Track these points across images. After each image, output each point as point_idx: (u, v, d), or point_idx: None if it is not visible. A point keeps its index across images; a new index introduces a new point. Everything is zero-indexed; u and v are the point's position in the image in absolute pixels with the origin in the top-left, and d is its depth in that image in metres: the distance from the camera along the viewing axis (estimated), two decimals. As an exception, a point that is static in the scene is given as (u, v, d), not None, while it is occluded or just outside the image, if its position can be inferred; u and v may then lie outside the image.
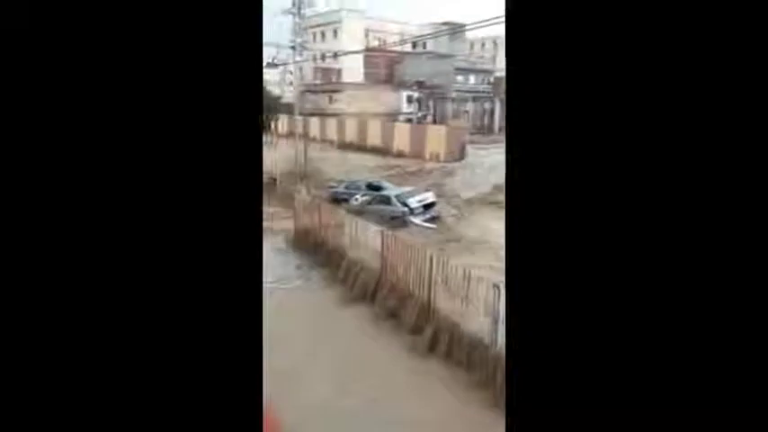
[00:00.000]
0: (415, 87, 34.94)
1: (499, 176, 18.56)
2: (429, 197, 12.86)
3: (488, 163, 22.22)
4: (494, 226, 12.04)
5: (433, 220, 12.18)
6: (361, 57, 36.77)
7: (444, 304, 6.52)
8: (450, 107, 35.30)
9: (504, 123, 36.96)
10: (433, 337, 6.34)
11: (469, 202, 14.91)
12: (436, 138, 24.26)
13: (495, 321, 5.64)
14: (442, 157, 23.39)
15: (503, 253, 10.17)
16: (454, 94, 35.75)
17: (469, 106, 36.49)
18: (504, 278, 6.00)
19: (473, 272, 6.27)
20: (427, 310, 6.76)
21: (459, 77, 36.85)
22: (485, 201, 15.01)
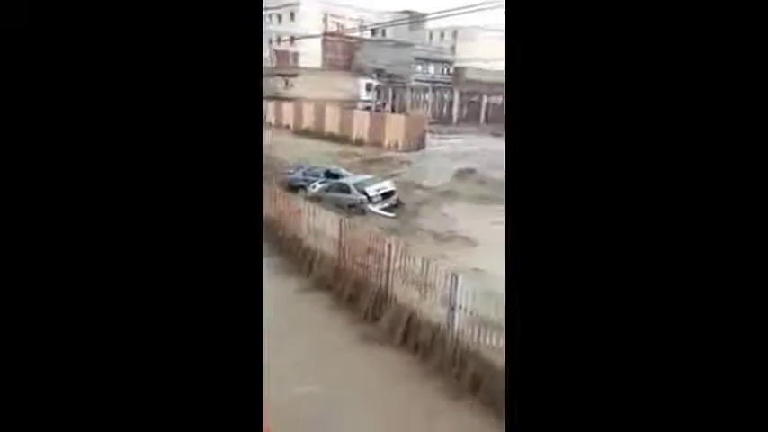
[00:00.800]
0: (374, 75, 34.71)
1: (458, 166, 18.78)
2: (388, 186, 12.82)
3: (447, 153, 22.42)
4: (453, 215, 12.16)
5: (391, 208, 12.16)
6: (318, 41, 36.06)
7: (402, 292, 6.51)
8: (409, 96, 35.33)
9: (463, 114, 37.45)
10: (391, 324, 6.33)
11: (429, 191, 14.99)
12: (395, 127, 24.23)
13: (453, 309, 5.68)
14: (401, 146, 23.41)
15: (461, 242, 10.27)
16: (413, 84, 35.79)
17: (429, 96, 36.66)
18: (458, 266, 6.01)
19: (431, 260, 6.27)
20: (385, 298, 6.73)
21: (419, 67, 36.90)
22: (444, 190, 15.14)
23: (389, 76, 35.13)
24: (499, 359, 5.10)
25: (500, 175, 17.74)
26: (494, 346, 5.17)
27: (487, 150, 23.82)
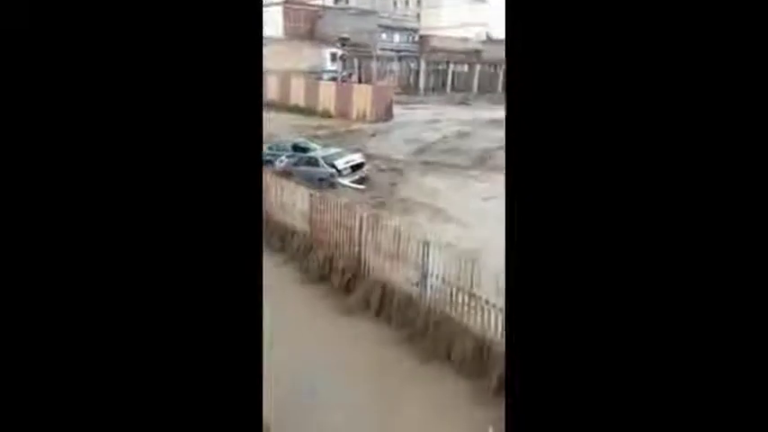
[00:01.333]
0: (338, 44, 33.91)
1: (426, 137, 18.78)
2: (357, 158, 12.73)
3: (416, 123, 22.34)
4: (423, 185, 12.23)
5: (361, 181, 12.12)
6: (280, 9, 34.82)
7: (375, 263, 6.57)
8: (375, 66, 34.77)
9: (429, 83, 37.19)
10: (365, 295, 6.40)
11: (398, 162, 14.98)
12: (363, 97, 23.90)
13: (425, 277, 5.78)
14: (368, 117, 23.15)
15: (432, 211, 10.35)
16: (379, 53, 35.19)
17: (395, 66, 36.16)
18: (430, 234, 6.08)
19: (403, 230, 6.33)
20: (358, 270, 6.78)
21: (383, 35, 36.22)
22: (413, 161, 15.15)
23: (354, 45, 34.40)
24: (471, 324, 5.26)
25: (469, 143, 17.86)
26: (465, 311, 5.32)
27: (455, 120, 23.87)
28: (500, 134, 20.21)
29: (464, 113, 27.13)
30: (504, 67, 41.12)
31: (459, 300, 5.40)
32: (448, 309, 5.52)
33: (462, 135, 19.81)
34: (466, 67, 39.82)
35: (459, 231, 8.84)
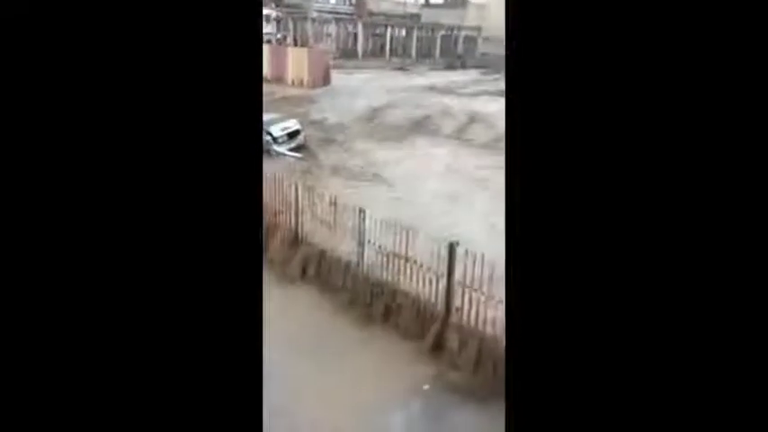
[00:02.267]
0: (272, 5, 32.32)
1: (365, 102, 18.55)
2: (293, 125, 12.39)
3: (354, 88, 21.97)
4: (362, 152, 12.14)
5: (298, 149, 11.85)
6: (207, -35, 32.46)
7: (312, 232, 6.51)
8: (311, 28, 33.57)
9: (368, 48, 36.49)
10: (302, 264, 6.36)
11: (336, 128, 14.75)
12: (299, 61, 23.10)
13: (361, 245, 5.81)
14: (305, 82, 22.49)
15: (370, 178, 10.32)
16: (315, 15, 33.94)
17: (332, 29, 35.10)
18: (367, 202, 6.08)
19: (339, 198, 6.29)
20: (295, 239, 6.70)
21: (320, -4, 34.90)
22: (352, 127, 14.97)
23: (289, 5, 32.93)
24: (407, 288, 5.38)
25: (408, 111, 17.85)
26: (402, 278, 5.42)
27: (395, 86, 23.71)
28: (438, 100, 20.35)
29: (402, 80, 26.99)
30: (441, 32, 41.06)
31: (396, 265, 5.49)
32: (385, 274, 5.61)
33: (401, 101, 19.75)
34: (404, 32, 39.38)
35: (396, 197, 8.91)
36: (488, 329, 4.65)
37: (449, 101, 20.31)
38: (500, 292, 4.52)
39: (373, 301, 5.54)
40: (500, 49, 41.15)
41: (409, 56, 38.09)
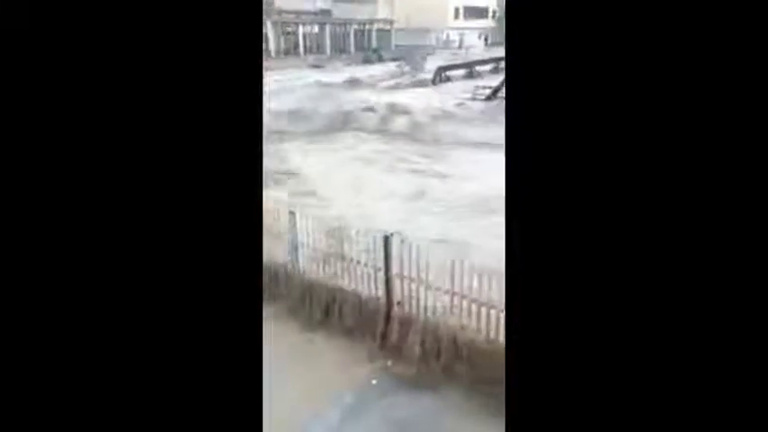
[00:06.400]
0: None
1: (279, 104, 18.13)
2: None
3: (270, 90, 21.41)
4: (284, 155, 11.88)
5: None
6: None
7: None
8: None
9: (280, 46, 35.68)
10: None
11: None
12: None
13: (295, 249, 5.69)
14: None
15: (294, 180, 10.16)
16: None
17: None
18: (295, 203, 5.96)
19: (269, 203, 6.11)
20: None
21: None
22: (272, 129, 14.60)
23: None
24: (345, 286, 5.35)
25: (326, 108, 17.69)
26: (338, 277, 5.38)
27: (311, 83, 23.40)
28: (358, 95, 20.36)
29: (317, 77, 26.72)
30: (354, 26, 41.07)
31: (331, 265, 5.43)
32: (322, 275, 5.54)
33: (320, 97, 19.56)
34: (316, 28, 38.95)
35: (323, 197, 8.83)
36: (429, 317, 4.74)
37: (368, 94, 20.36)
38: (436, 279, 4.63)
39: (313, 304, 5.45)
40: (414, 41, 41.99)
41: (324, 52, 37.75)
